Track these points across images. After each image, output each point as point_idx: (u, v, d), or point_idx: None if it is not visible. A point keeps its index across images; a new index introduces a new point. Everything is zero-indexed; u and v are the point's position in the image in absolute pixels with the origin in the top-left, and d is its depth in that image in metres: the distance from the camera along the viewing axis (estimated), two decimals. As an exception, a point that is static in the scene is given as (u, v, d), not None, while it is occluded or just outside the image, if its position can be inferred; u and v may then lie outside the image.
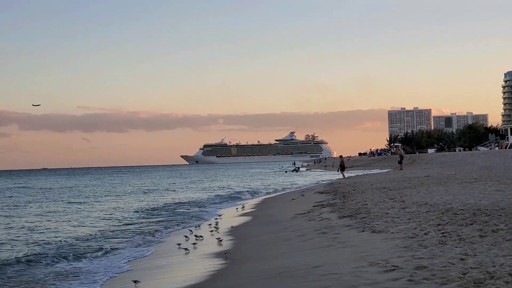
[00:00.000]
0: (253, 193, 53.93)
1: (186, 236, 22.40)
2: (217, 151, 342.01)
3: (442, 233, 14.79)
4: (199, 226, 26.97)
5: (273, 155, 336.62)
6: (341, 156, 66.19)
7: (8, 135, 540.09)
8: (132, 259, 19.45)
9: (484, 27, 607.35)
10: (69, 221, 33.47)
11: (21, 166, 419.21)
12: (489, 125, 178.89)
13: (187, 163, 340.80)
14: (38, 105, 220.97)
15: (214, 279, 13.93)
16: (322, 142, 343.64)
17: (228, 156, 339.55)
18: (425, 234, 15.09)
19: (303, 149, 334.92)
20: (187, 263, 17.22)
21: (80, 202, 50.61)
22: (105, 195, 61.55)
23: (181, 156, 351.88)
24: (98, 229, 28.49)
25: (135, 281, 14.35)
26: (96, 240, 24.38)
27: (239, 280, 13.07)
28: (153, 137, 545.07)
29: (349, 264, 12.42)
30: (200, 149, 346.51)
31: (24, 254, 20.96)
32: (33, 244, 23.63)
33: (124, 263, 18.69)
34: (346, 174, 54.89)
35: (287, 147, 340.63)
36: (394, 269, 11.27)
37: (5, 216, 38.15)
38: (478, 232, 14.32)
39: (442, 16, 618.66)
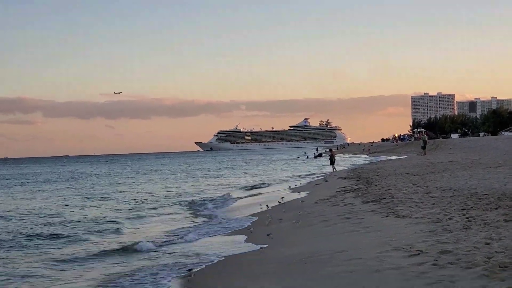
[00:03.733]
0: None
1: None
2: (231, 138, 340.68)
3: (467, 218, 14.72)
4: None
5: (287, 141, 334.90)
6: (330, 150, 65.91)
7: (33, 123, 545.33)
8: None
9: (508, 11, 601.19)
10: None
11: (46, 154, 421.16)
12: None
13: (202, 149, 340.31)
14: (119, 93, 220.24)
15: (238, 264, 13.98)
16: (336, 128, 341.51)
17: (242, 143, 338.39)
18: (450, 218, 15.03)
19: (317, 135, 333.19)
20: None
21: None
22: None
23: (195, 142, 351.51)
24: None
25: None
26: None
27: (262, 266, 13.10)
28: (177, 124, 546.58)
29: (373, 249, 12.43)
30: (214, 135, 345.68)
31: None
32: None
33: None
34: (337, 168, 54.75)
35: (301, 133, 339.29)
36: (419, 254, 11.26)
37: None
38: (503, 217, 14.24)
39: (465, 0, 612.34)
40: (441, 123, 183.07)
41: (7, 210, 32.86)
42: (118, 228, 23.41)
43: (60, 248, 19.23)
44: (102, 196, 41.85)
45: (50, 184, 63.53)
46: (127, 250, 17.62)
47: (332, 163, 54.56)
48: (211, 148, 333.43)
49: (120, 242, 19.37)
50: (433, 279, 9.32)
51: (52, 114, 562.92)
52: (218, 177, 66.00)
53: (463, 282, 8.97)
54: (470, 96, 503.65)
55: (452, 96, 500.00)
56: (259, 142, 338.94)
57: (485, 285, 8.63)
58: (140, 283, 12.92)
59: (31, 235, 22.11)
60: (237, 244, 17.38)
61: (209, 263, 14.68)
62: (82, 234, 22.26)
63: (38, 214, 30.39)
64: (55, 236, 21.91)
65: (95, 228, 24.06)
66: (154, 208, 32.16)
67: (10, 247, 19.68)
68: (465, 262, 10.07)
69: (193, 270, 13.27)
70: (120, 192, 46.31)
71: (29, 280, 14.13)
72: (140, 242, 18.32)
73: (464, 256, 10.47)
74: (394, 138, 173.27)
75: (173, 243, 18.83)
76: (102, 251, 17.91)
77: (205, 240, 19.21)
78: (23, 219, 27.95)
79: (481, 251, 10.69)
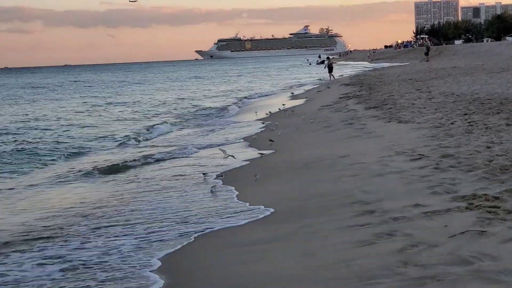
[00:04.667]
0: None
1: None
2: (231, 46, 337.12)
3: (469, 122, 14.84)
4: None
5: (287, 49, 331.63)
6: (328, 58, 65.45)
7: (32, 32, 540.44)
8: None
9: None
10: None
11: (46, 63, 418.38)
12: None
13: (202, 58, 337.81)
14: (135, 1, 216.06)
15: (243, 169, 14.15)
16: (336, 36, 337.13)
17: (242, 51, 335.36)
18: (452, 123, 15.16)
19: (317, 43, 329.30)
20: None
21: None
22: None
23: (195, 51, 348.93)
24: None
25: None
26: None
27: (268, 170, 13.26)
28: (177, 33, 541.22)
29: (376, 154, 12.59)
30: (214, 43, 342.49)
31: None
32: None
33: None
34: (339, 75, 54.43)
35: (301, 41, 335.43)
36: (421, 158, 11.42)
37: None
38: (505, 121, 14.35)
39: None
40: (444, 30, 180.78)
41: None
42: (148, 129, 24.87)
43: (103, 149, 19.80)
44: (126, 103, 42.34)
45: (59, 93, 63.43)
46: (169, 154, 17.51)
47: (330, 71, 54.34)
48: (211, 56, 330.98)
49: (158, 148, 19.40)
50: (435, 182, 9.50)
51: (51, 23, 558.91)
52: (222, 85, 65.82)
53: (463, 184, 9.16)
54: (474, 2, 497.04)
55: (456, 1, 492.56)
56: (259, 50, 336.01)
57: (485, 187, 8.80)
58: (190, 179, 13.14)
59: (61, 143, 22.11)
60: (243, 150, 17.37)
61: (228, 168, 14.57)
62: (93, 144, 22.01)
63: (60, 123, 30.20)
64: (95, 138, 22.78)
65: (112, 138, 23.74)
66: (166, 114, 32.56)
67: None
68: (466, 165, 10.23)
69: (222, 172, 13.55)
70: (149, 98, 46.59)
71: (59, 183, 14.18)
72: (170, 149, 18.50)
73: (465, 160, 10.63)
74: (397, 44, 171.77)
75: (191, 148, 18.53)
76: (142, 156, 17.42)
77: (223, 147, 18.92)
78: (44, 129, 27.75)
79: (482, 155, 10.85)
